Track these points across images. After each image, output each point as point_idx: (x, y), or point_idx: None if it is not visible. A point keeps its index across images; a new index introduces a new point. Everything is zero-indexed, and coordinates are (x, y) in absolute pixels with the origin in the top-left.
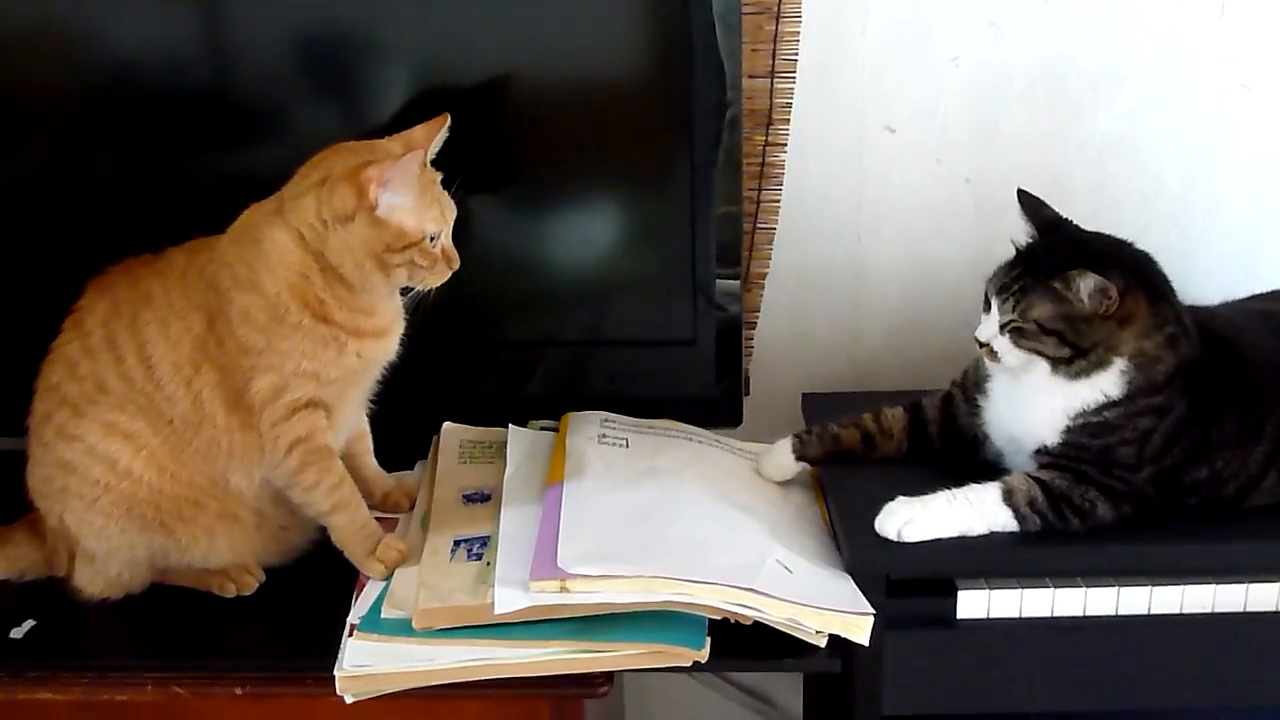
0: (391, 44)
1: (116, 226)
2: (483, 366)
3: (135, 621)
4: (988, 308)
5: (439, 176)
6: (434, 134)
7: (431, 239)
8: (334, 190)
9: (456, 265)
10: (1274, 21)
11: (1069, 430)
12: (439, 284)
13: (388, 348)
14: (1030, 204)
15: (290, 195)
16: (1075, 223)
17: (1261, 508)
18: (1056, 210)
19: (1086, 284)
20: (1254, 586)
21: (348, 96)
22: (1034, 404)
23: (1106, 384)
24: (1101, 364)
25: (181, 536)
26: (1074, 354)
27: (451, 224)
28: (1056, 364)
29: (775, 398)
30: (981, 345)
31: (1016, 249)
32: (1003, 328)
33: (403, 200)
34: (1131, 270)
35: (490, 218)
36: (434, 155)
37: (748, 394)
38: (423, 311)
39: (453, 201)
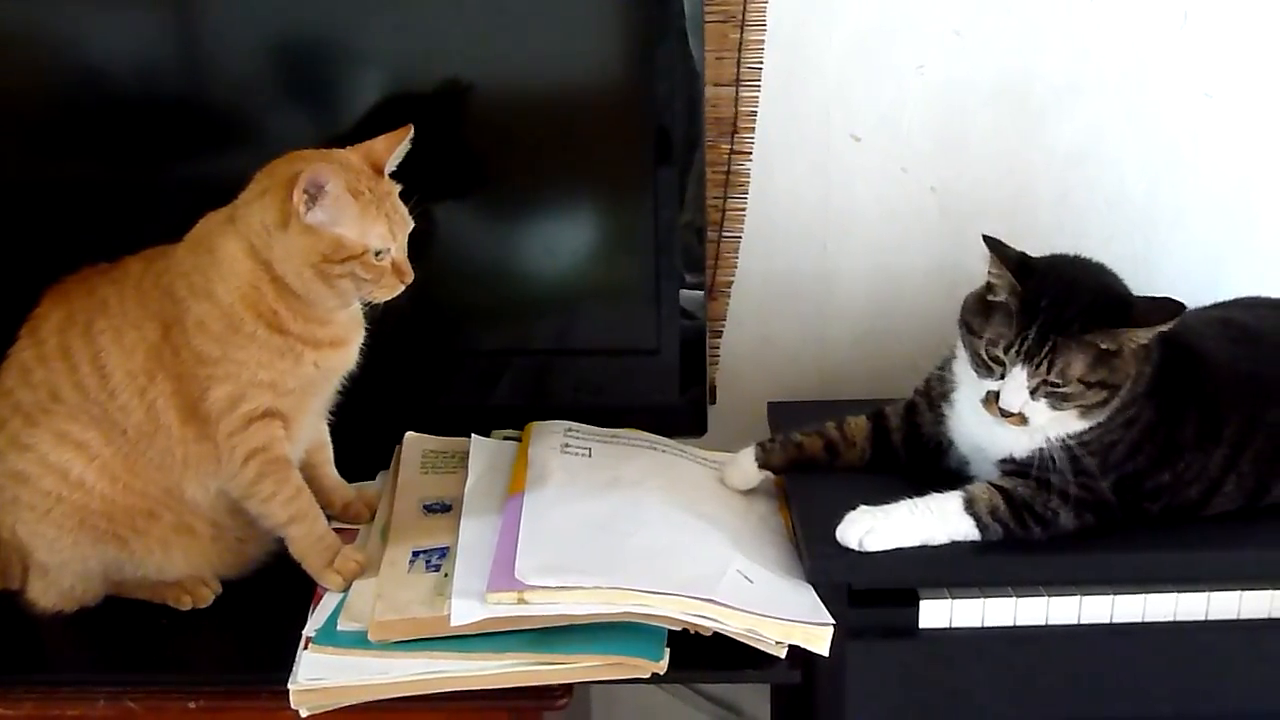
0: (362, 52)
1: (86, 234)
2: (446, 376)
3: (89, 635)
4: (991, 373)
5: (396, 189)
6: (395, 145)
7: (378, 253)
8: (272, 197)
9: (409, 280)
10: (1236, 30)
11: (1043, 448)
12: (389, 298)
13: (346, 358)
14: (998, 248)
15: (242, 203)
16: (1033, 255)
17: (1222, 515)
18: (1014, 247)
19: (1139, 337)
20: (1215, 595)
21: (319, 104)
22: (1011, 429)
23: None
24: (1119, 394)
25: (136, 548)
26: (1109, 396)
27: (405, 238)
28: (1088, 410)
29: (742, 406)
30: (1007, 415)
31: (1013, 308)
32: (1034, 392)
33: (335, 210)
34: (1131, 298)
35: (454, 226)
36: (394, 167)
37: (714, 403)
38: (386, 321)
39: (409, 216)
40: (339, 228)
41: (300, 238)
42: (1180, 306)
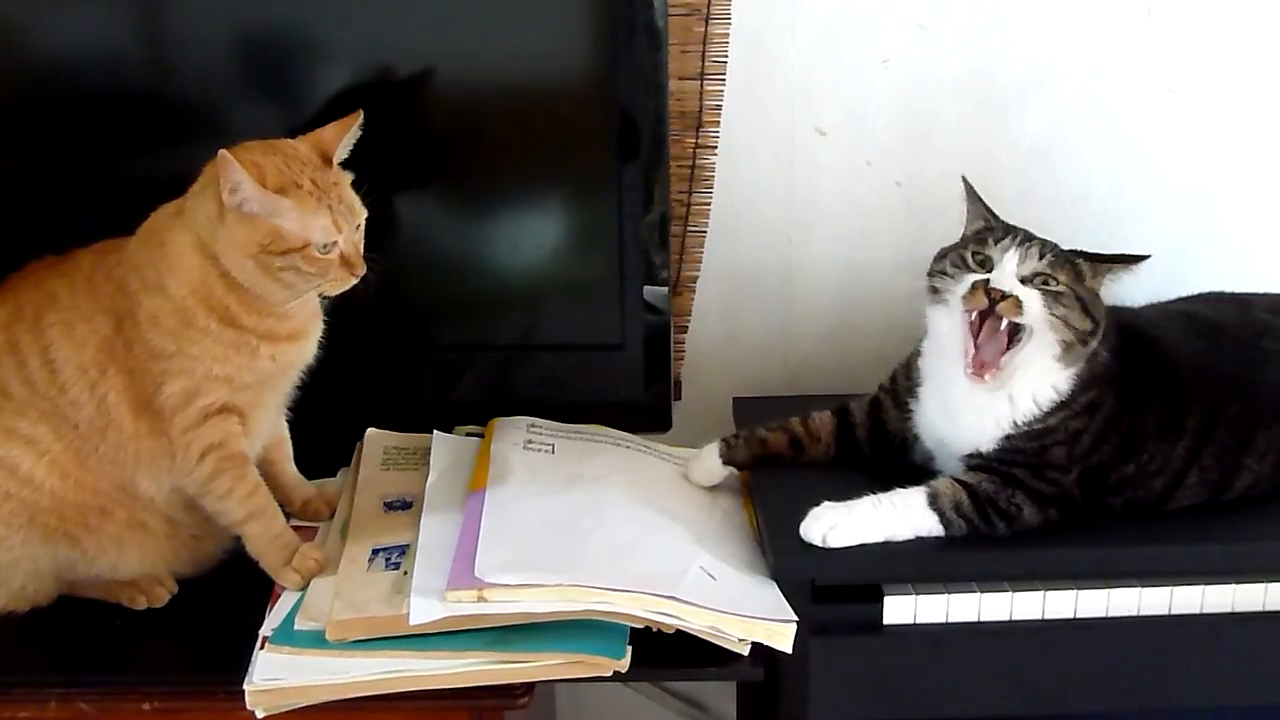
0: (326, 44)
1: (43, 227)
2: (409, 371)
3: (41, 636)
4: (969, 268)
5: (348, 178)
6: (344, 133)
7: (324, 247)
8: (211, 190)
9: (360, 273)
10: (1199, 26)
11: (1010, 437)
12: (339, 292)
13: (304, 351)
14: (973, 192)
15: (190, 197)
16: None
17: (1185, 510)
18: None
19: (1109, 276)
20: (1178, 590)
21: (283, 96)
22: (976, 412)
23: (1061, 380)
24: (1091, 343)
25: (88, 546)
26: (1088, 333)
27: (357, 229)
28: (1071, 344)
29: (707, 402)
30: (996, 299)
31: (990, 225)
32: (1026, 280)
33: (262, 197)
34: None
35: (418, 221)
36: (346, 155)
37: (679, 398)
38: (348, 315)
39: (359, 206)
40: (276, 218)
41: (237, 228)
42: (1144, 256)
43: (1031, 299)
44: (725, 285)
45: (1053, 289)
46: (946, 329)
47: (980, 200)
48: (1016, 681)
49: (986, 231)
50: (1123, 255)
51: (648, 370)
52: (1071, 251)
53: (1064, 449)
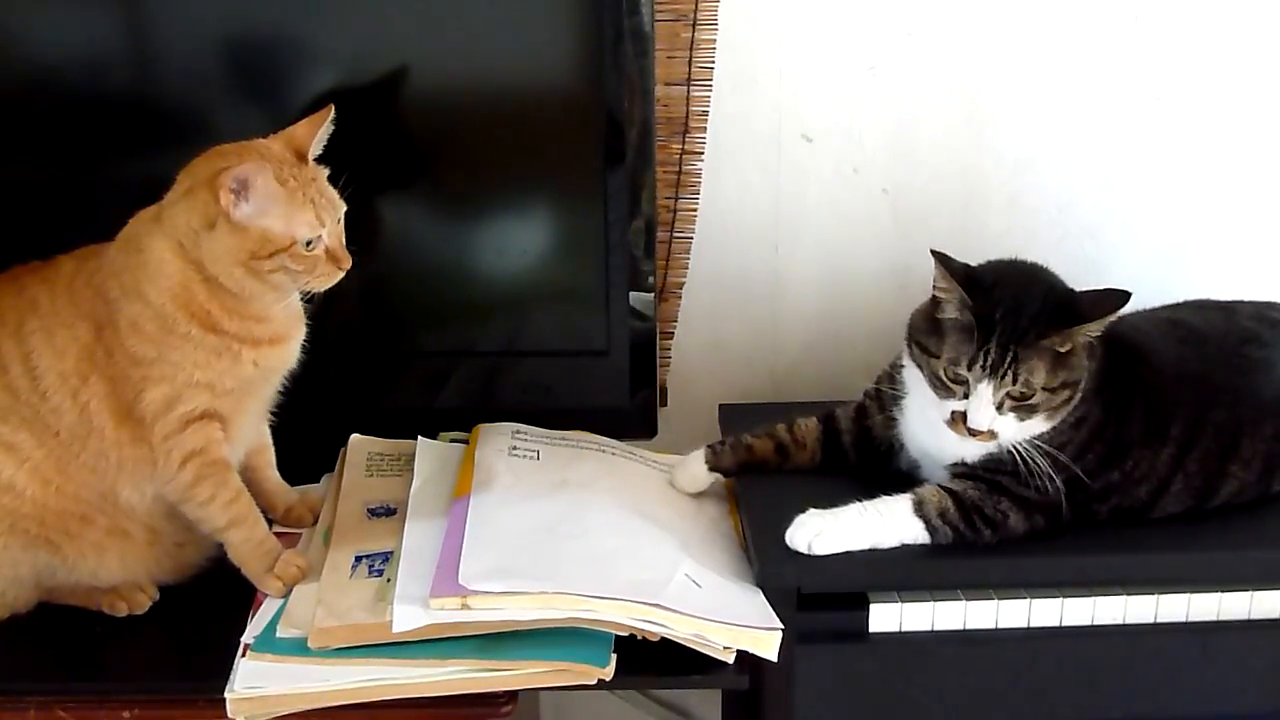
0: (311, 48)
1: (33, 233)
2: (393, 377)
3: (20, 643)
4: (952, 393)
5: (323, 173)
6: (316, 129)
7: (308, 243)
8: (196, 197)
9: (345, 266)
10: (1186, 33)
11: (997, 450)
12: (327, 287)
13: (286, 355)
14: (946, 262)
15: (168, 203)
16: (974, 263)
17: (1170, 518)
18: (960, 259)
19: (1091, 331)
20: (1163, 598)
21: (268, 100)
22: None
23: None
24: (1080, 388)
25: (68, 553)
26: (1071, 394)
27: (338, 223)
28: (1054, 412)
29: (692, 409)
30: (976, 434)
31: (968, 324)
32: (1001, 407)
33: (264, 204)
34: (1076, 295)
35: (403, 227)
36: (319, 151)
37: (664, 405)
38: (332, 321)
39: (338, 199)
40: (265, 220)
41: (227, 237)
42: (1125, 295)
43: (1006, 427)
44: (711, 291)
45: (1029, 403)
46: (925, 385)
47: (957, 280)
48: (1001, 690)
49: (964, 344)
50: (1103, 301)
51: (633, 377)
52: (1049, 319)
53: (1049, 459)
